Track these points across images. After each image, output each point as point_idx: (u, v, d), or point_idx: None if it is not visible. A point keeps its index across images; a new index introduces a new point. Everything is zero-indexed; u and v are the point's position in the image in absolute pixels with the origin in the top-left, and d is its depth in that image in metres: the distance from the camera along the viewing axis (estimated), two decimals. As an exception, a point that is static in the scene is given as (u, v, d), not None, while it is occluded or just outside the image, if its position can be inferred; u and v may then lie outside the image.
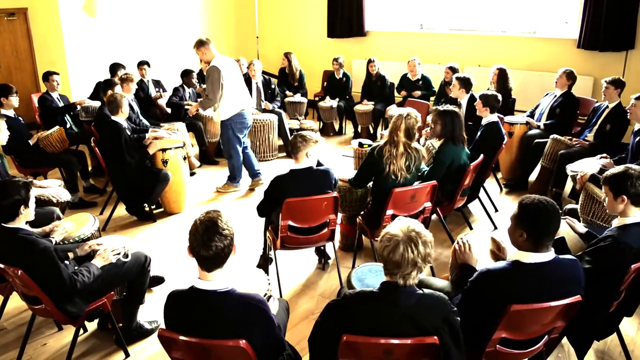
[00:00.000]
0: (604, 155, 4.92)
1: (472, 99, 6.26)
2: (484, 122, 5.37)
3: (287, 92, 8.60)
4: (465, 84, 6.27)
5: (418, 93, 7.89)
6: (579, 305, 2.53)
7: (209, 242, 2.19)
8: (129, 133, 5.35)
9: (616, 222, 2.98)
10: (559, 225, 2.50)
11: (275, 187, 3.86)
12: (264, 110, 7.67)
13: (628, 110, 5.04)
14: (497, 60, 7.58)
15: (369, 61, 8.42)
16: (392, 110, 8.05)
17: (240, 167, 6.19)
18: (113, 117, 5.24)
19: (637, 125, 4.99)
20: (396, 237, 2.16)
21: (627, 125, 5.61)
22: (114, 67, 7.24)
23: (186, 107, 7.30)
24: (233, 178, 6.21)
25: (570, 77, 6.25)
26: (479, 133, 5.36)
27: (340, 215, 4.65)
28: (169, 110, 7.39)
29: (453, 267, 3.11)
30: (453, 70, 7.30)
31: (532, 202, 2.48)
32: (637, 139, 4.91)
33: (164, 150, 5.47)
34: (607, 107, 5.77)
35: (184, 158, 5.69)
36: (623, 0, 7.29)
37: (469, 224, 5.16)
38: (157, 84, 7.81)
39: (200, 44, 5.72)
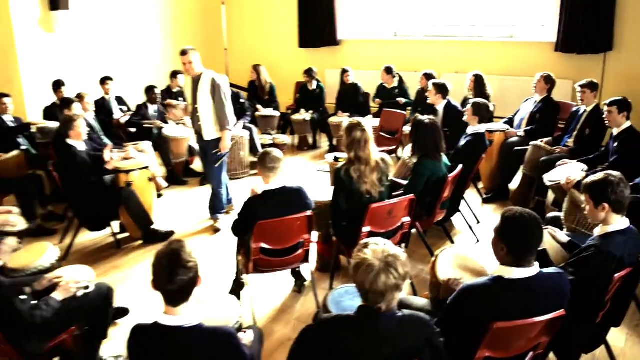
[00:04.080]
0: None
1: (448, 105, 6.35)
2: (469, 131, 5.43)
3: (258, 106, 8.60)
4: (442, 89, 6.36)
5: (402, 100, 7.96)
6: (563, 319, 2.55)
7: (173, 276, 2.17)
8: (87, 155, 5.28)
9: (598, 231, 3.03)
10: (541, 239, 2.53)
11: (249, 210, 3.86)
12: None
13: (605, 118, 5.14)
14: (475, 66, 7.69)
15: (343, 71, 8.49)
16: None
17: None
18: (68, 140, 5.18)
19: (616, 130, 5.10)
20: (373, 267, 2.16)
21: (606, 128, 5.72)
22: (56, 85, 7.13)
23: (147, 126, 7.25)
24: (221, 209, 5.96)
25: (549, 81, 6.37)
26: (462, 142, 5.41)
27: (316, 234, 4.65)
28: (132, 129, 7.32)
29: (433, 284, 3.12)
30: (428, 77, 7.39)
31: (514, 215, 2.50)
32: (616, 144, 5.01)
33: (127, 172, 5.41)
34: (585, 111, 5.88)
35: (150, 179, 5.63)
36: (600, 1, 7.47)
37: (450, 237, 5.19)
38: (120, 100, 7.75)
39: (193, 50, 5.44)
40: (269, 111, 8.56)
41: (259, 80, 8.73)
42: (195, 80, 5.48)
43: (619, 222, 2.97)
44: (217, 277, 4.67)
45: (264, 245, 3.84)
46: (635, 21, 7.44)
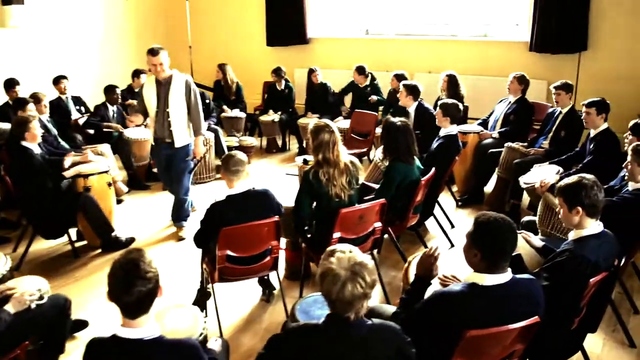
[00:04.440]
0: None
1: (420, 106, 6.39)
2: (442, 133, 5.48)
3: (224, 107, 8.56)
4: (413, 91, 6.40)
5: (374, 98, 8.00)
6: (537, 326, 2.59)
7: (130, 287, 2.14)
8: (42, 157, 5.18)
9: (572, 235, 3.08)
10: (515, 245, 2.56)
11: (213, 215, 3.83)
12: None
13: (583, 120, 5.23)
14: (448, 66, 7.78)
15: (311, 71, 8.51)
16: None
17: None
18: (23, 142, 5.08)
19: (593, 131, 5.21)
20: (340, 276, 2.16)
21: (582, 130, 5.85)
22: (9, 83, 6.97)
23: (106, 129, 7.15)
24: (187, 216, 5.84)
25: (522, 81, 6.48)
26: (435, 145, 5.46)
27: (284, 240, 4.65)
28: (90, 131, 7.20)
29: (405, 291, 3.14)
30: (399, 77, 7.45)
31: (488, 220, 2.52)
32: (592, 145, 5.11)
33: (85, 176, 5.33)
34: (561, 112, 5.99)
35: (109, 184, 5.56)
36: (574, 0, 7.62)
37: (423, 242, 5.23)
38: (78, 101, 7.62)
39: (163, 50, 5.23)
40: (236, 112, 8.54)
41: (225, 80, 8.69)
42: (165, 83, 5.24)
43: (593, 226, 3.03)
44: (181, 286, 4.63)
45: (229, 252, 3.81)
46: (610, 20, 7.62)
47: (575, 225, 3.05)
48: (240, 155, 3.93)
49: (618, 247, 3.18)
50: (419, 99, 6.48)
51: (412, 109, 6.46)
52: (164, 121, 5.32)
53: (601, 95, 5.38)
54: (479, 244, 2.51)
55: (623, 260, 3.66)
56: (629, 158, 3.95)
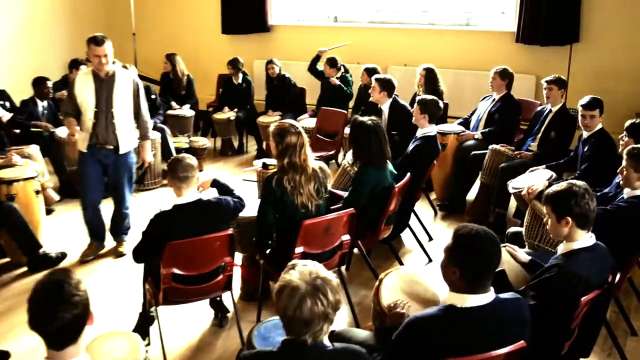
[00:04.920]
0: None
1: (395, 104, 6.43)
2: (419, 133, 5.52)
3: (173, 103, 8.48)
4: (387, 86, 6.44)
5: (335, 82, 8.03)
6: (524, 351, 2.60)
7: (52, 314, 2.08)
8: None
9: (561, 248, 3.12)
10: (498, 261, 2.57)
11: (157, 227, 3.79)
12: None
13: (583, 124, 5.28)
14: (426, 58, 7.83)
15: (268, 62, 8.51)
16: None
17: None
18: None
19: (585, 133, 5.31)
20: (299, 289, 2.14)
21: (574, 130, 5.95)
22: None
23: (35, 128, 7.01)
24: (128, 229, 5.76)
25: (505, 76, 6.58)
26: (411, 147, 5.49)
27: (239, 256, 4.62)
28: (16, 130, 7.05)
29: (377, 313, 3.13)
30: (370, 72, 7.49)
31: (468, 233, 2.52)
32: (586, 148, 5.19)
33: (8, 182, 5.22)
34: (551, 110, 6.09)
35: (37, 192, 5.45)
36: (565, -13, 7.77)
37: (398, 258, 5.25)
38: (1, 95, 7.45)
39: (108, 40, 5.04)
40: (186, 109, 8.48)
41: (174, 72, 8.62)
42: (108, 79, 5.07)
43: (585, 239, 3.07)
44: (119, 310, 4.55)
45: (176, 271, 3.76)
46: (604, 9, 7.77)
47: (565, 237, 3.09)
48: (190, 159, 3.90)
49: (612, 262, 3.23)
50: (394, 95, 6.51)
51: (386, 106, 6.50)
52: (107, 124, 5.14)
53: (595, 92, 5.48)
54: (457, 260, 2.51)
55: (618, 276, 3.73)
56: (624, 162, 4.01)
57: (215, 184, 4.27)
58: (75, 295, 2.13)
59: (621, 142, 4.75)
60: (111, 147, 5.23)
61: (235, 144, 8.87)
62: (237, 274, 4.54)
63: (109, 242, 5.74)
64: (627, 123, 4.78)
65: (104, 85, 5.09)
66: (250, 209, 4.53)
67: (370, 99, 6.70)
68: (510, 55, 8.13)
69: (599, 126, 5.27)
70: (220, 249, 3.88)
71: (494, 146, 6.08)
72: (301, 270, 2.21)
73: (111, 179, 5.46)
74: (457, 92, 8.18)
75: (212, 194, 4.09)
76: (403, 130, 6.11)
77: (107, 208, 5.70)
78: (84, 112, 5.15)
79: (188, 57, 9.16)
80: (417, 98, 5.76)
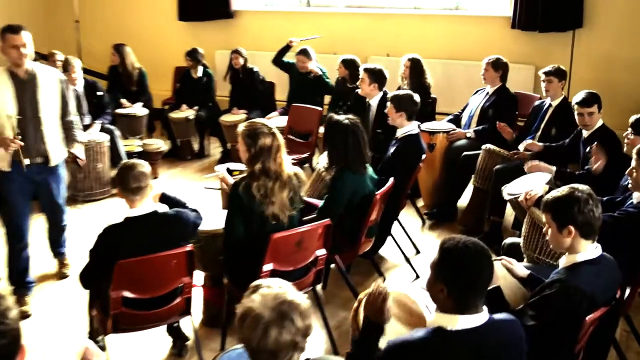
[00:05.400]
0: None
1: (385, 98, 6.37)
2: (399, 133, 5.54)
3: (123, 101, 8.43)
4: (378, 77, 6.47)
5: (317, 71, 8.03)
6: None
7: None
8: None
9: (563, 262, 3.14)
10: (491, 276, 2.57)
11: (106, 244, 3.76)
12: (86, 128, 7.43)
13: (583, 123, 5.33)
14: (411, 48, 7.85)
15: (233, 52, 8.49)
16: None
17: None
18: None
19: (586, 132, 5.38)
20: (262, 318, 2.13)
21: (576, 127, 5.97)
22: None
23: None
24: (65, 240, 5.66)
25: (498, 66, 6.63)
26: (391, 150, 5.50)
27: (201, 275, 4.61)
28: None
29: (356, 338, 3.13)
30: (348, 64, 7.53)
31: (455, 246, 2.53)
32: (587, 149, 5.21)
33: None
34: (550, 105, 6.15)
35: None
36: (566, -34, 7.82)
37: (380, 273, 5.27)
38: None
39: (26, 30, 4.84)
40: (138, 107, 8.44)
41: (124, 65, 8.56)
42: (29, 79, 4.81)
43: (589, 250, 3.10)
44: (62, 340, 4.49)
45: (127, 294, 3.74)
46: (610, -10, 7.85)
47: (567, 248, 3.11)
48: (142, 165, 3.87)
49: (620, 275, 3.26)
50: (385, 89, 6.55)
51: (375, 100, 6.52)
52: (35, 132, 4.89)
53: (600, 83, 5.55)
54: (444, 277, 2.51)
55: (627, 292, 3.76)
56: (633, 163, 4.03)
57: (164, 199, 4.20)
58: (3, 323, 2.08)
59: (626, 141, 4.78)
60: (40, 160, 4.97)
61: (195, 146, 8.83)
62: (197, 296, 4.53)
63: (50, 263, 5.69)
64: (632, 118, 4.81)
65: (26, 86, 4.81)
66: (212, 221, 4.52)
67: (359, 91, 6.71)
68: (505, 43, 8.18)
69: (600, 122, 5.34)
70: (177, 268, 3.86)
71: (488, 146, 6.11)
72: (264, 294, 2.19)
73: (43, 198, 5.22)
74: (446, 85, 8.20)
75: (162, 208, 4.05)
76: (392, 129, 6.05)
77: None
78: (2, 121, 4.77)
79: (139, 47, 9.11)
80: (389, 95, 5.76)
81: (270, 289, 2.22)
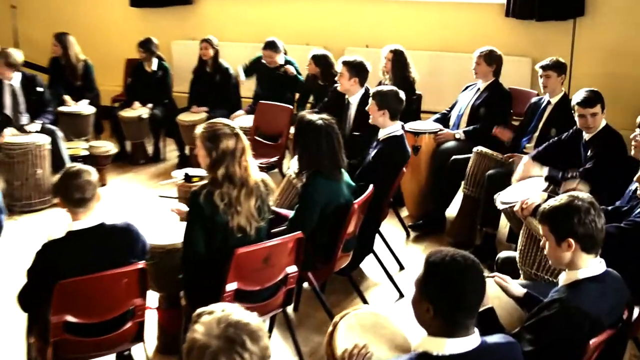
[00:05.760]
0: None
1: (367, 95, 6.34)
2: (381, 135, 5.55)
3: (66, 97, 8.38)
4: (359, 71, 6.45)
5: (292, 71, 8.06)
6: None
7: None
8: None
9: (563, 279, 3.15)
10: (482, 294, 2.58)
11: (45, 261, 3.72)
12: (23, 129, 7.37)
13: (585, 125, 5.32)
14: (394, 38, 7.88)
15: (204, 41, 8.44)
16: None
17: None
18: None
19: (587, 135, 5.38)
20: (208, 348, 2.11)
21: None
22: None
23: None
24: None
25: (492, 60, 6.67)
26: (372, 153, 5.50)
27: (155, 296, 4.58)
28: None
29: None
30: (318, 60, 7.55)
31: (442, 260, 2.52)
32: (592, 152, 5.23)
33: None
34: (549, 102, 6.20)
35: None
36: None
37: (360, 293, 5.26)
38: None
39: None
40: (84, 105, 8.41)
41: (67, 57, 8.53)
42: None
43: (592, 265, 3.11)
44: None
45: (69, 318, 3.69)
46: (615, -26, 7.93)
47: (567, 264, 3.12)
48: (88, 172, 3.81)
49: (628, 294, 3.28)
50: (366, 85, 6.55)
51: (355, 98, 6.52)
52: None
53: (604, 78, 5.59)
54: (430, 295, 2.51)
55: (636, 311, 3.78)
56: None
57: None
58: None
59: (633, 143, 4.72)
60: None
61: (150, 149, 8.82)
62: (151, 320, 4.48)
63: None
64: None
65: None
66: (168, 235, 4.49)
67: (337, 87, 6.71)
68: (499, 33, 8.26)
69: (602, 123, 5.33)
70: (128, 288, 3.83)
71: (480, 148, 6.14)
72: (206, 322, 2.16)
73: None
74: (432, 81, 8.25)
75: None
76: (372, 132, 6.04)
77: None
78: None
79: (85, 37, 9.08)
80: (372, 90, 5.77)
81: (212, 314, 2.18)
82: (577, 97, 5.33)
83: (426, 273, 2.55)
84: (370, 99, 5.61)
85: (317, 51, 7.76)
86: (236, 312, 2.18)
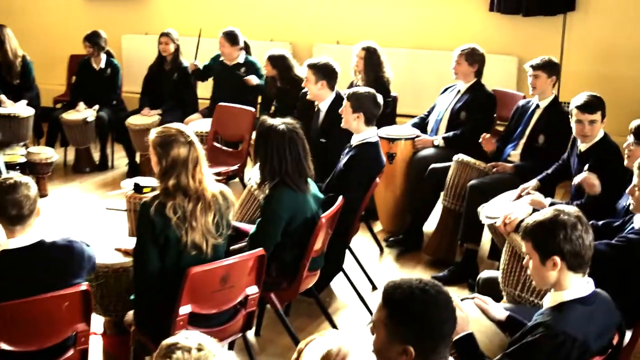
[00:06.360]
0: (525, 185, 5.34)
1: (338, 100, 6.30)
2: (354, 140, 5.57)
3: (1, 97, 8.32)
4: (325, 72, 6.40)
5: (252, 81, 8.04)
6: None
7: None
8: None
9: (548, 300, 3.18)
10: (453, 327, 2.60)
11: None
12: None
13: (581, 132, 5.32)
14: (366, 34, 7.92)
15: (163, 35, 8.45)
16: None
17: None
18: None
19: (583, 145, 5.34)
20: None
21: (570, 134, 6.03)
22: None
23: None
24: None
25: (474, 59, 6.71)
26: (343, 160, 5.51)
27: (100, 320, 4.58)
28: None
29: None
30: (275, 61, 7.55)
31: (412, 295, 2.50)
32: (586, 167, 5.17)
33: None
34: (538, 106, 6.23)
35: None
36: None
37: (328, 316, 5.26)
38: None
39: None
40: (22, 106, 8.38)
41: (3, 53, 8.50)
42: None
43: (579, 286, 3.14)
44: None
45: (3, 346, 3.66)
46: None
47: (552, 284, 3.15)
48: (26, 185, 3.77)
49: (618, 317, 3.31)
50: (336, 90, 6.53)
51: (325, 104, 6.47)
52: None
53: (598, 79, 5.62)
54: (406, 337, 2.49)
55: (628, 335, 3.82)
56: (635, 180, 4.08)
57: None
58: None
59: (626, 152, 4.75)
60: None
61: (96, 156, 8.79)
62: (96, 347, 4.48)
63: None
64: (634, 124, 4.80)
65: None
66: (114, 253, 4.48)
67: (308, 95, 6.65)
68: (482, 30, 8.34)
69: (601, 134, 5.30)
70: (70, 312, 3.79)
71: (460, 157, 6.17)
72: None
73: None
74: (409, 81, 8.30)
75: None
76: (338, 137, 6.02)
77: None
78: None
79: (24, 30, 9.06)
80: (347, 92, 5.77)
81: (189, 353, 2.18)
82: (576, 100, 5.27)
83: (396, 312, 2.52)
84: (345, 100, 5.62)
85: (274, 51, 7.74)
86: (214, 349, 2.19)
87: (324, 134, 6.26)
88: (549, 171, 5.70)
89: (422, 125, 7.04)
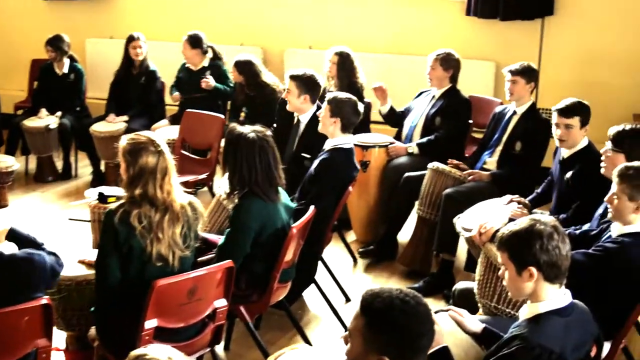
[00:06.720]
0: (515, 197, 5.33)
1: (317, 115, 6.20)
2: (328, 145, 5.59)
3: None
4: (309, 86, 6.29)
5: (210, 83, 8.02)
6: None
7: None
8: None
9: (525, 312, 3.20)
10: (431, 339, 2.61)
11: None
12: None
13: (559, 137, 5.28)
14: (339, 39, 7.95)
15: (131, 39, 8.43)
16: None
17: None
18: None
19: (566, 151, 5.36)
20: None
21: (548, 142, 6.08)
22: None
23: None
24: None
25: (448, 64, 6.73)
26: (315, 164, 5.50)
27: (62, 335, 4.55)
28: None
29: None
30: (242, 67, 7.56)
31: (391, 305, 2.50)
32: (568, 175, 5.20)
33: None
34: (515, 112, 6.26)
35: None
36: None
37: (299, 329, 5.24)
38: None
39: None
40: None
41: (-39, 57, 8.45)
42: None
43: (556, 297, 3.15)
44: None
45: (-41, 363, 3.67)
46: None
47: (529, 295, 3.17)
48: None
49: (596, 328, 3.33)
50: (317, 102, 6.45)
51: (306, 117, 6.38)
52: None
53: (578, 86, 5.64)
54: (384, 347, 2.50)
55: (607, 348, 3.85)
56: (614, 187, 4.10)
57: (12, 236, 4.13)
58: None
59: (603, 158, 4.74)
60: None
61: (59, 164, 8.76)
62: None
63: None
64: (612, 131, 4.75)
65: None
66: (77, 265, 4.47)
67: (287, 107, 6.52)
68: (458, 34, 8.40)
69: (585, 142, 5.31)
70: (30, 327, 3.77)
71: (435, 164, 6.18)
72: None
73: None
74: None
75: (9, 249, 3.97)
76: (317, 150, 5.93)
77: None
78: None
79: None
80: (327, 96, 5.77)
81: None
82: (559, 104, 5.31)
83: (375, 321, 2.53)
84: (325, 103, 5.62)
85: (240, 56, 7.73)
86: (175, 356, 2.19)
87: (305, 149, 6.24)
88: (539, 190, 5.74)
89: (396, 132, 7.11)
